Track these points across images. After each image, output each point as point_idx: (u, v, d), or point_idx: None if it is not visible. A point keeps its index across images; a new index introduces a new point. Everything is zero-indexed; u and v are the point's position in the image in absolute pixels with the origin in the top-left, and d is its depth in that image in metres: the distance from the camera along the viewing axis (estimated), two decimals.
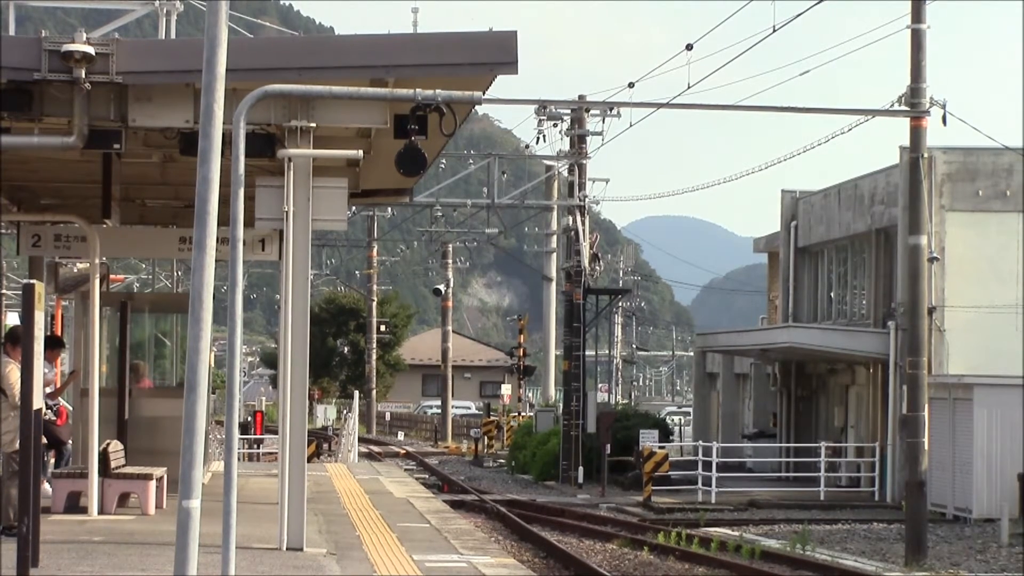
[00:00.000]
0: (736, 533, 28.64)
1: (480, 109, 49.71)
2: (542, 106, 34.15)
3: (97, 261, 17.54)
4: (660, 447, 37.46)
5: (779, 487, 38.34)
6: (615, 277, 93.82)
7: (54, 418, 17.57)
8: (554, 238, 56.19)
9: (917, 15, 25.74)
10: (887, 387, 35.99)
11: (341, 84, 14.20)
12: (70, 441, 19.25)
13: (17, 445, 13.62)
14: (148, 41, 19.05)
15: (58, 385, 18.96)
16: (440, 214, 54.27)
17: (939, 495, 31.35)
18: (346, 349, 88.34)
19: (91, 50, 13.82)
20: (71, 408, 21.73)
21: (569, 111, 41.76)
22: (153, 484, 17.37)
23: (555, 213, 54.47)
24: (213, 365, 28.16)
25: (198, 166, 8.91)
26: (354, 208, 48.34)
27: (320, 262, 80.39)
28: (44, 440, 15.34)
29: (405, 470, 35.07)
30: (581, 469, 40.84)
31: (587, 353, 43.89)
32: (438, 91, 14.02)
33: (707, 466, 35.91)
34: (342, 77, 14.37)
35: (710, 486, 35.68)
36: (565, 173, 44.24)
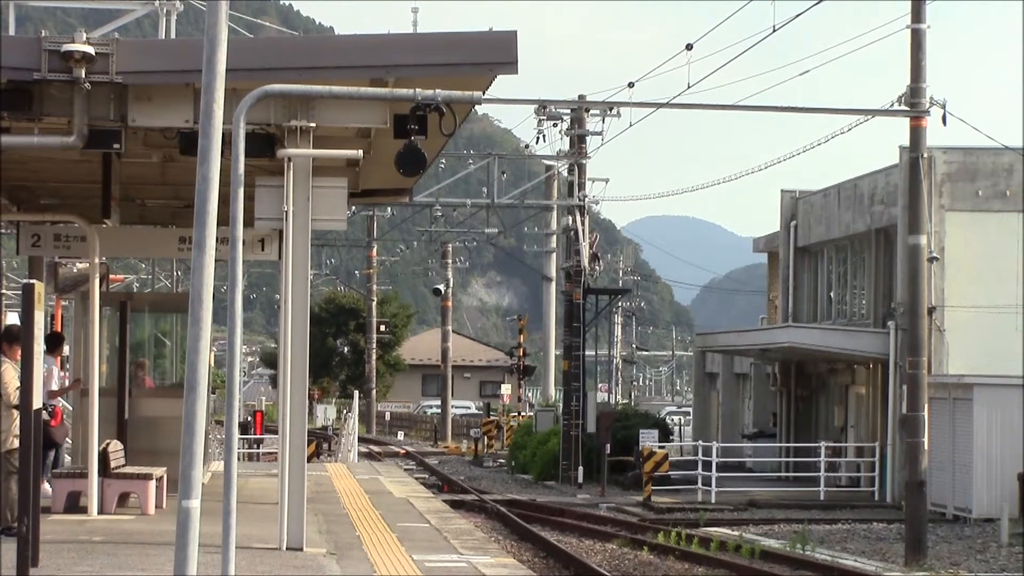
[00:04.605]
0: (736, 533, 28.64)
1: (480, 109, 49.75)
2: (542, 106, 34.16)
3: (97, 261, 17.55)
4: (660, 447, 37.47)
5: (779, 487, 38.33)
6: (615, 277, 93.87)
7: (48, 419, 17.55)
8: (554, 238, 56.19)
9: (917, 15, 25.74)
10: (887, 387, 35.98)
11: (341, 84, 14.20)
12: (68, 442, 19.26)
13: (12, 445, 13.63)
14: (148, 41, 19.07)
15: (60, 386, 18.93)
16: (440, 214, 54.26)
17: (939, 495, 31.35)
18: (346, 349, 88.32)
19: (91, 50, 13.82)
20: (70, 408, 21.74)
21: (569, 111, 41.75)
22: (153, 484, 17.38)
23: (555, 213, 54.46)
24: (213, 365, 28.17)
25: (198, 166, 8.91)
26: (354, 208, 48.35)
27: (320, 262, 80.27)
28: None
29: (405, 470, 35.07)
30: (581, 469, 40.84)
31: (587, 353, 43.89)
32: (438, 91, 14.01)
33: (707, 466, 35.91)
34: (342, 77, 14.37)
35: (710, 486, 35.68)
36: (565, 173, 44.24)
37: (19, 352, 13.39)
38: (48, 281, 22.05)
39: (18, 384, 13.14)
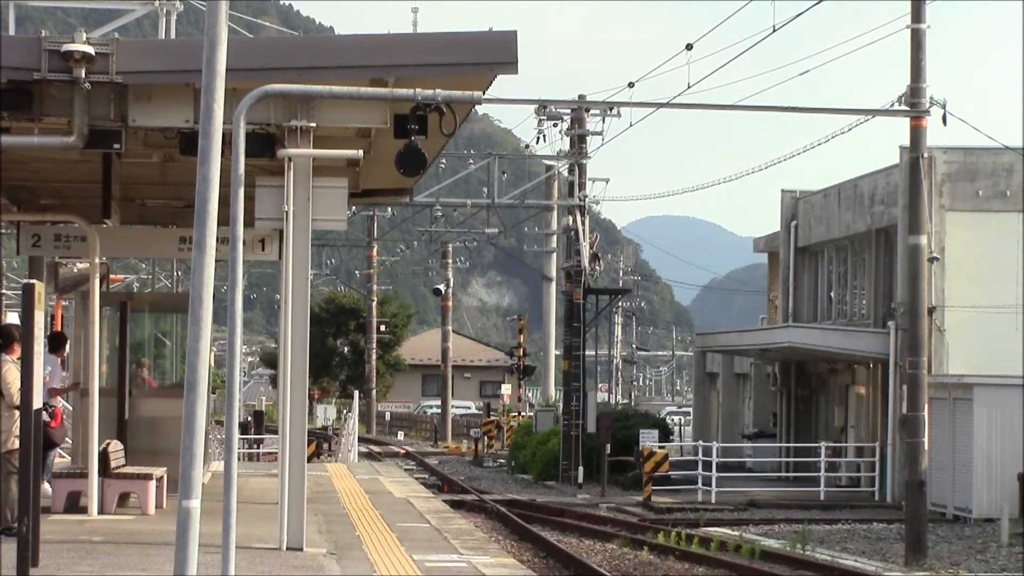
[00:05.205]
0: (736, 533, 28.64)
1: (480, 109, 49.72)
2: (542, 106, 34.13)
3: (97, 261, 17.54)
4: (660, 447, 37.46)
5: (779, 487, 38.33)
6: (615, 277, 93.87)
7: (48, 420, 17.53)
8: (554, 238, 56.19)
9: (917, 15, 25.75)
10: (887, 387, 35.98)
11: (341, 84, 14.20)
12: (68, 442, 19.20)
13: (12, 445, 13.62)
14: (148, 41, 19.07)
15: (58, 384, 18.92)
16: (440, 214, 54.26)
17: (939, 495, 31.35)
18: (346, 349, 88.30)
19: (91, 50, 13.82)
20: (70, 408, 21.73)
21: (569, 111, 41.74)
22: (153, 484, 17.38)
23: (555, 213, 54.47)
24: (213, 365, 28.19)
25: (198, 166, 8.91)
26: (354, 208, 48.35)
27: (320, 262, 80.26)
28: None
29: (405, 470, 35.07)
30: (581, 469, 40.84)
31: (587, 353, 43.88)
32: (438, 91, 14.01)
33: (707, 466, 35.90)
34: (342, 77, 14.36)
35: (710, 486, 35.68)
36: (565, 173, 44.23)
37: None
38: (48, 281, 22.04)
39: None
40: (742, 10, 27.83)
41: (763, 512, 33.30)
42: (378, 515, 19.10)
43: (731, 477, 37.59)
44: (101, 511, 16.84)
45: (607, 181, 43.89)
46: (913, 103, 25.54)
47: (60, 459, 21.12)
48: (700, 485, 35.82)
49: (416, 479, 30.12)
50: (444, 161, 45.27)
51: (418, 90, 14.00)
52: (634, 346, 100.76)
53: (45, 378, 16.53)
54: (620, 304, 77.96)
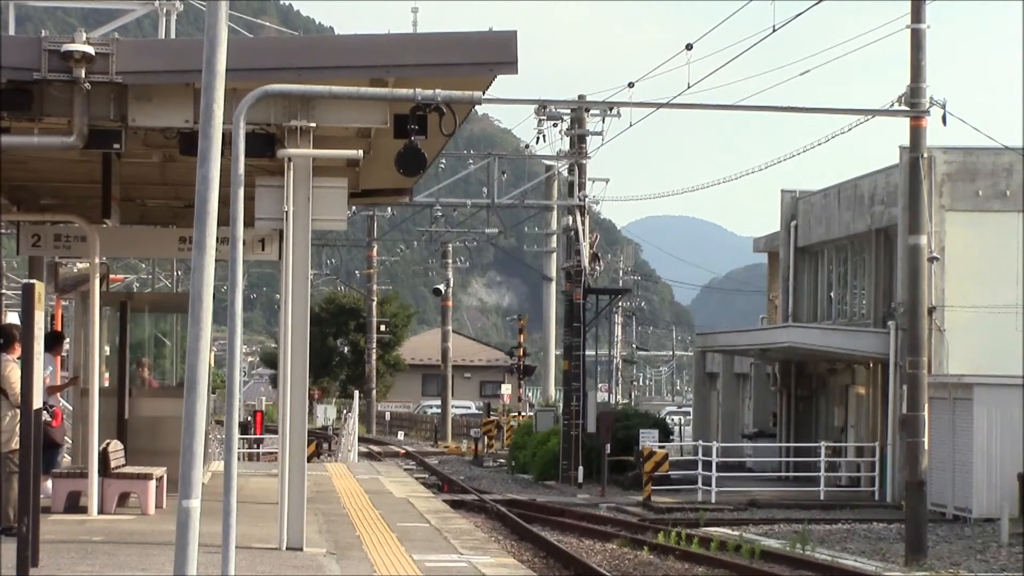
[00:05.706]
0: (736, 533, 28.64)
1: (480, 109, 49.70)
2: (542, 106, 34.09)
3: (97, 261, 17.55)
4: (660, 447, 37.47)
5: (779, 487, 38.35)
6: (615, 277, 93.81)
7: (49, 419, 17.53)
8: (554, 238, 56.19)
9: (917, 15, 25.76)
10: (887, 387, 35.98)
11: (341, 84, 14.21)
12: (68, 441, 19.15)
13: (14, 444, 13.63)
14: (148, 41, 19.04)
15: (56, 383, 18.92)
16: (440, 214, 54.28)
17: (939, 495, 31.35)
18: (346, 349, 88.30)
19: (91, 50, 13.82)
20: (70, 408, 21.73)
21: (569, 111, 41.75)
22: (153, 484, 17.37)
23: (555, 213, 54.47)
24: (213, 365, 28.20)
25: (198, 166, 8.91)
26: (354, 208, 48.34)
27: (320, 262, 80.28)
28: None
29: (405, 470, 35.06)
30: (581, 469, 40.85)
31: (587, 353, 43.90)
32: (438, 91, 14.02)
33: (707, 466, 35.91)
34: (342, 77, 14.37)
35: (710, 486, 35.69)
36: (565, 173, 44.24)
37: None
38: (48, 281, 22.04)
39: None
40: (742, 10, 27.86)
41: (763, 512, 33.31)
42: (378, 515, 19.11)
43: (731, 477, 37.61)
44: (101, 511, 16.83)
45: (607, 181, 43.92)
46: (913, 103, 25.55)
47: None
48: (700, 485, 35.83)
49: (416, 479, 30.12)
50: (444, 161, 45.27)
51: (418, 90, 14.00)
52: (634, 346, 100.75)
53: (45, 378, 16.54)
54: (620, 304, 77.98)
